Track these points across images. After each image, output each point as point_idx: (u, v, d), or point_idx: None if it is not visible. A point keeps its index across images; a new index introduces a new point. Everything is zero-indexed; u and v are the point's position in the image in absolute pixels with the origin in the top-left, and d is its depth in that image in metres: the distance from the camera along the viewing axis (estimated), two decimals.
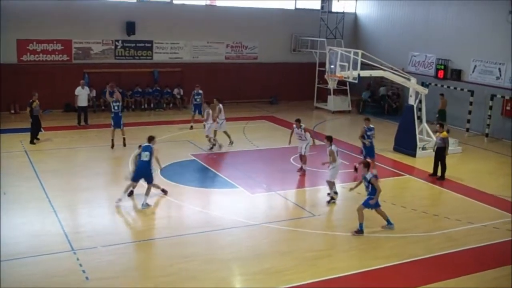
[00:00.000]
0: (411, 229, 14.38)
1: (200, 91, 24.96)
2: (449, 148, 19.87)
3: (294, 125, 18.64)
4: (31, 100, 21.07)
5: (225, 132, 21.84)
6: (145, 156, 15.03)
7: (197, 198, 16.20)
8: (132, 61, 28.95)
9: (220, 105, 21.35)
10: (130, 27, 28.27)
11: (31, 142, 21.03)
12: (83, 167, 18.53)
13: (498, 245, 13.67)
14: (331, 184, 16.13)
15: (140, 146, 15.53)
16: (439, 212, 15.62)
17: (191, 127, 24.52)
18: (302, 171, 18.73)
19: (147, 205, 14.92)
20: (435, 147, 19.10)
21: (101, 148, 20.96)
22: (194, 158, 19.85)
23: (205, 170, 18.75)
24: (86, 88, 25.01)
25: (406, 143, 21.36)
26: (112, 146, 20.69)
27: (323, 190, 16.97)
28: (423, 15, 29.78)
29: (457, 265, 12.43)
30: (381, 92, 31.53)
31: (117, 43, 28.48)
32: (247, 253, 12.57)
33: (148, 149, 15.13)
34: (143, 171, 15.10)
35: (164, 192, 15.85)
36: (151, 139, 15.46)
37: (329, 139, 16.32)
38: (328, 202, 16.02)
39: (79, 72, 27.08)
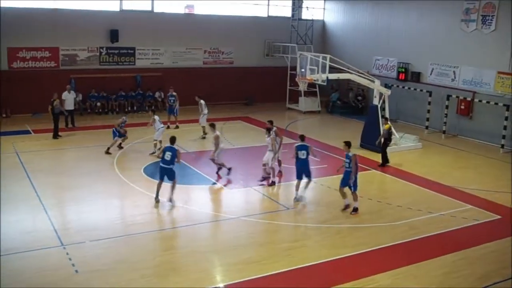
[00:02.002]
0: (377, 219, 14.50)
1: (174, 93, 24.82)
2: (410, 144, 20.16)
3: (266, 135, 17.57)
4: (52, 99, 22.06)
5: (203, 126, 22.43)
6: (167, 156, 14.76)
7: (177, 194, 16.04)
8: (116, 67, 28.60)
9: (202, 101, 22.81)
10: (114, 35, 27.94)
11: (54, 137, 21.90)
12: (71, 167, 18.27)
13: (455, 231, 13.89)
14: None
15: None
16: (402, 203, 15.75)
17: (177, 127, 24.59)
18: (266, 180, 17.25)
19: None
20: (382, 139, 19.92)
21: (88, 148, 20.67)
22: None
23: (184, 168, 18.63)
24: (73, 93, 24.63)
25: (371, 140, 21.47)
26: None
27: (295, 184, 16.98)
28: (385, 23, 29.99)
29: (420, 251, 12.57)
30: (350, 96, 31.69)
31: (101, 50, 28.11)
32: (226, 245, 12.54)
33: (172, 150, 14.85)
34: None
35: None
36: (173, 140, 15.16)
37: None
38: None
39: (66, 78, 26.62)
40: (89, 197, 15.43)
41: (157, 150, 19.26)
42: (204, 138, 22.69)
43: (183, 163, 18.78)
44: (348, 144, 14.82)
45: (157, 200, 14.95)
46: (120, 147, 20.53)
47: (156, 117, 20.38)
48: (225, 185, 16.95)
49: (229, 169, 17.73)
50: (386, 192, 17.29)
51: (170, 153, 14.83)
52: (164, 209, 14.78)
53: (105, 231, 13.02)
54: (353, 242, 12.87)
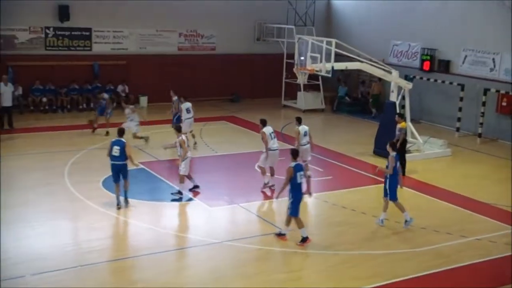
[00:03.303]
0: (396, 245, 14.53)
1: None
2: (437, 150, 20.28)
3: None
4: None
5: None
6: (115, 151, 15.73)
7: (146, 214, 16.04)
8: (66, 53, 28.58)
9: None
10: (64, 12, 27.91)
11: None
12: (8, 180, 18.12)
13: (495, 261, 13.90)
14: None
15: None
16: (427, 225, 15.81)
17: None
18: (265, 186, 18.11)
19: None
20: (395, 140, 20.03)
21: (31, 156, 20.57)
22: (142, 166, 19.67)
23: (156, 181, 18.58)
24: (10, 85, 24.46)
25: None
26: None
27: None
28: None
29: (449, 286, 12.58)
30: (362, 91, 31.89)
31: (47, 30, 28.08)
32: (206, 276, 12.49)
33: (119, 143, 15.79)
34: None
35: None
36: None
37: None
38: None
39: (2, 66, 26.47)
40: (33, 217, 15.30)
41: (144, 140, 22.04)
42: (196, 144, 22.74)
43: (153, 175, 18.80)
44: (392, 145, 15.50)
45: (118, 207, 15.80)
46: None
47: (130, 108, 21.73)
48: (211, 204, 16.94)
49: (195, 186, 17.71)
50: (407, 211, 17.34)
51: (117, 147, 15.69)
52: (128, 231, 14.73)
53: (52, 261, 12.89)
54: (365, 274, 12.86)
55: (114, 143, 15.80)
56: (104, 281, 12.20)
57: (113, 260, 13.15)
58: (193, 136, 22.60)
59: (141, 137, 22.25)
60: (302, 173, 14.12)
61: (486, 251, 14.37)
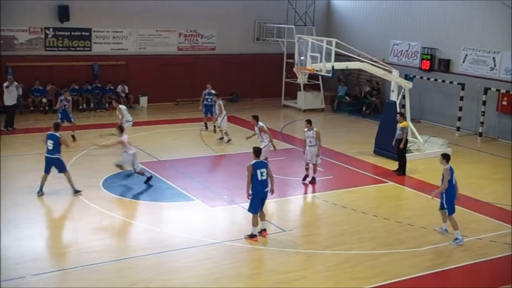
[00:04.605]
0: (396, 244, 14.52)
1: (213, 91, 25.29)
2: (437, 149, 20.33)
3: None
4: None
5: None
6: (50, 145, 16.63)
7: (146, 214, 16.07)
8: (66, 53, 28.58)
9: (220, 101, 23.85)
10: (63, 12, 27.90)
11: None
12: (8, 181, 18.12)
13: (496, 260, 13.91)
14: None
15: None
16: (428, 224, 15.81)
17: (209, 127, 25.64)
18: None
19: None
20: (395, 139, 20.22)
21: (30, 157, 20.54)
22: (143, 166, 19.66)
23: (156, 181, 18.59)
24: (15, 84, 24.45)
25: (388, 145, 21.56)
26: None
27: (294, 201, 17.00)
28: None
29: (450, 285, 12.57)
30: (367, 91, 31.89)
31: (47, 31, 28.08)
32: (206, 277, 12.50)
33: (53, 138, 16.65)
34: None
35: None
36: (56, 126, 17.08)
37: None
38: None
39: (1, 67, 26.52)
40: (33, 218, 15.32)
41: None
42: (229, 141, 23.46)
43: (154, 175, 18.77)
44: (446, 157, 14.74)
45: (40, 194, 16.67)
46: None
47: (122, 106, 21.72)
48: (212, 204, 16.94)
49: (149, 178, 18.22)
50: (407, 210, 17.34)
51: (51, 141, 16.62)
52: (129, 231, 14.73)
53: (52, 262, 12.95)
54: (366, 273, 12.86)
55: (48, 137, 16.68)
56: (104, 282, 12.18)
57: (113, 260, 13.12)
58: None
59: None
60: (263, 170, 14.13)
61: (487, 250, 14.37)
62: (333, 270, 13.03)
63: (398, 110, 21.92)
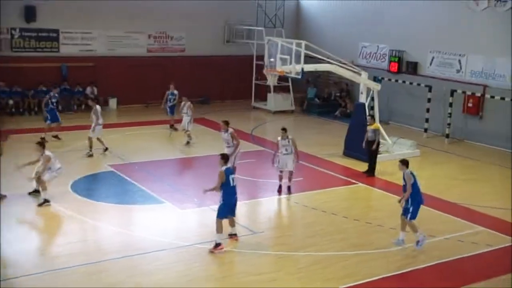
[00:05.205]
0: (366, 245, 14.61)
1: (175, 92, 25.40)
2: (406, 151, 20.51)
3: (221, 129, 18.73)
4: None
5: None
6: None
7: (116, 217, 15.94)
8: (33, 54, 28.25)
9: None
10: (30, 12, 27.62)
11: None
12: None
13: (463, 260, 14.06)
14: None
15: None
16: (396, 225, 15.83)
17: (171, 127, 25.56)
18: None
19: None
20: (365, 141, 20.28)
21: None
22: (112, 169, 19.55)
23: (125, 183, 18.47)
24: None
25: (357, 147, 21.69)
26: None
27: (265, 203, 17.00)
28: (374, 1, 30.41)
29: (418, 285, 12.71)
30: (332, 93, 32.10)
31: (13, 31, 27.74)
32: (178, 279, 12.46)
33: None
34: None
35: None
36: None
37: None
38: None
39: None
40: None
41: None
42: (188, 143, 23.30)
43: (122, 178, 18.66)
44: (404, 163, 14.38)
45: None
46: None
47: (98, 107, 21.47)
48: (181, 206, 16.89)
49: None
50: (376, 211, 17.48)
51: None
52: (98, 234, 14.61)
53: (21, 267, 12.76)
54: (336, 274, 12.92)
55: None
56: (73, 286, 12.08)
57: (82, 264, 12.99)
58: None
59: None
60: (233, 176, 14.09)
61: (455, 250, 14.53)
62: (304, 271, 13.07)
63: (367, 112, 22.12)
